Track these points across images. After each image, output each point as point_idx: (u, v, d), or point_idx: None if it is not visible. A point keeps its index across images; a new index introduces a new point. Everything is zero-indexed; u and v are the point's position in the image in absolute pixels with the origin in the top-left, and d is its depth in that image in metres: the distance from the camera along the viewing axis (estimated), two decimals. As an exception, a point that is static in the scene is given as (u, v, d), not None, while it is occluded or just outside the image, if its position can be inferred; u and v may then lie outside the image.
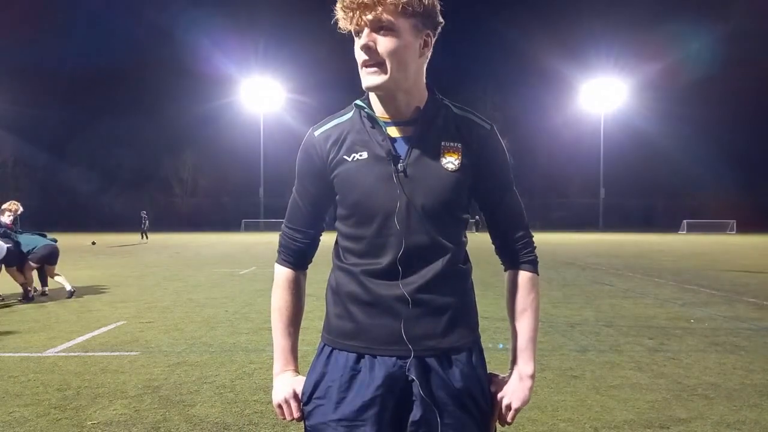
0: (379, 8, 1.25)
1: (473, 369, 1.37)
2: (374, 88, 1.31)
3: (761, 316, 7.56)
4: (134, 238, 37.06)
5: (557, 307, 8.17)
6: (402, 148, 1.35)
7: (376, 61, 1.28)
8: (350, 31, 1.34)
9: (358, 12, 1.27)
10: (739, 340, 6.07)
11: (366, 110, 1.38)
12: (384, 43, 1.28)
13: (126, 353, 5.43)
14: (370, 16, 1.26)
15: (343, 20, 1.31)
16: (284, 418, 1.44)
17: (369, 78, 1.30)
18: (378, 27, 1.28)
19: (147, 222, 32.22)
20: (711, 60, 59.33)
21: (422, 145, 1.35)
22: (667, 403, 4.00)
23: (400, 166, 1.33)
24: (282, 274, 1.50)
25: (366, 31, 1.27)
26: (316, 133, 1.43)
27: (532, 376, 1.42)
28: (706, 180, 60.78)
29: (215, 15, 77.92)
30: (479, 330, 1.46)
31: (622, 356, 5.34)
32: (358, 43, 1.30)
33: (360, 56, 1.30)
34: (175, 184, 67.56)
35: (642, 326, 6.84)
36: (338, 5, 1.30)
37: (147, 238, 32.15)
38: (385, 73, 1.29)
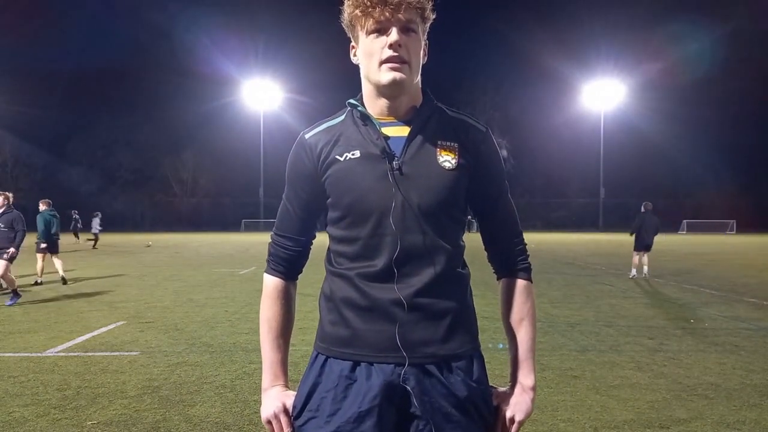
0: (406, 9, 1.27)
1: (475, 378, 1.33)
2: (397, 84, 1.30)
3: (761, 316, 7.57)
4: (136, 238, 37.04)
5: (557, 307, 8.16)
6: (397, 147, 1.33)
7: (402, 59, 1.29)
8: (355, 25, 1.32)
9: (380, 8, 1.26)
10: (739, 340, 6.07)
11: (359, 108, 1.36)
12: (409, 44, 1.29)
13: (126, 353, 5.43)
14: (400, 16, 1.27)
15: (360, 14, 1.29)
16: None
17: (392, 73, 1.28)
18: (405, 27, 1.29)
19: (79, 222, 29.17)
20: (710, 60, 59.28)
21: (418, 143, 1.33)
22: (667, 403, 4.00)
23: (395, 164, 1.30)
24: (271, 283, 1.44)
25: (395, 29, 1.28)
26: (307, 135, 1.40)
27: (534, 388, 1.39)
28: (706, 180, 60.75)
29: (215, 15, 77.93)
30: (479, 336, 1.42)
31: (622, 356, 5.34)
32: (381, 39, 1.29)
33: (383, 52, 1.29)
34: (175, 184, 67.43)
35: (642, 326, 6.84)
36: None
37: (79, 238, 28.82)
38: (408, 71, 1.30)
